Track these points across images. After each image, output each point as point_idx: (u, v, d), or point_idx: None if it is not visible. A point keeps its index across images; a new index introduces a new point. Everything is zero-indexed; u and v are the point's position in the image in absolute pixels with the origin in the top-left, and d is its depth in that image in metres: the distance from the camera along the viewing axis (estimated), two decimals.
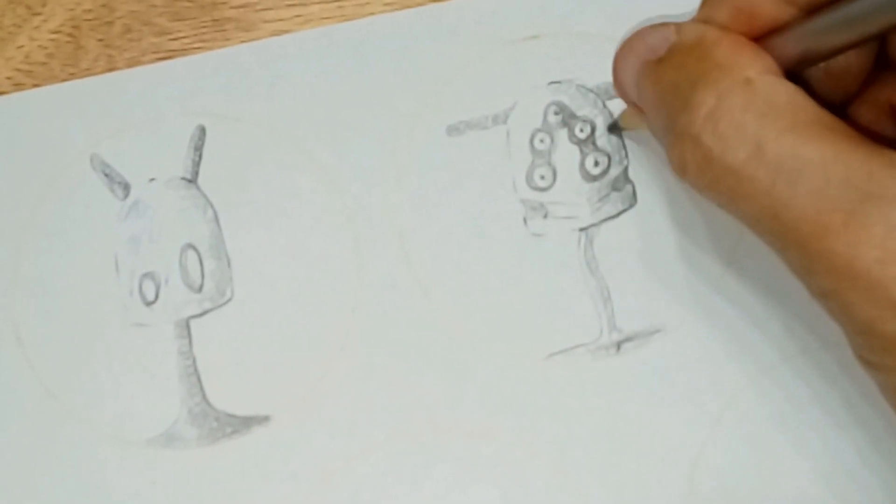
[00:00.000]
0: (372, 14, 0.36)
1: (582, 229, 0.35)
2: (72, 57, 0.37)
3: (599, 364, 0.34)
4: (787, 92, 0.26)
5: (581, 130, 0.35)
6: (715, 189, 0.27)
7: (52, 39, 0.37)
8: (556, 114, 0.35)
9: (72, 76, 0.36)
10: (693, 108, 0.27)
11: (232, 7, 0.37)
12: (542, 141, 0.35)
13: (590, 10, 0.36)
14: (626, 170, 0.35)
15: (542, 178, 0.35)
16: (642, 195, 0.35)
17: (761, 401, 0.33)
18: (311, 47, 0.36)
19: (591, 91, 0.35)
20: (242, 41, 0.36)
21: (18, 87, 0.36)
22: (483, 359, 0.34)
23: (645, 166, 0.35)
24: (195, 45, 0.37)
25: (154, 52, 0.37)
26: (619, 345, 0.34)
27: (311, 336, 0.34)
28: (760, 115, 0.26)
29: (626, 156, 0.35)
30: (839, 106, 0.30)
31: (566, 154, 0.35)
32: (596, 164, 0.35)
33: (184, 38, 0.37)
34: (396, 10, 0.36)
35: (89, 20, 0.37)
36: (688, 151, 0.27)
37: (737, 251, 0.34)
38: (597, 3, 0.36)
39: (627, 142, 0.35)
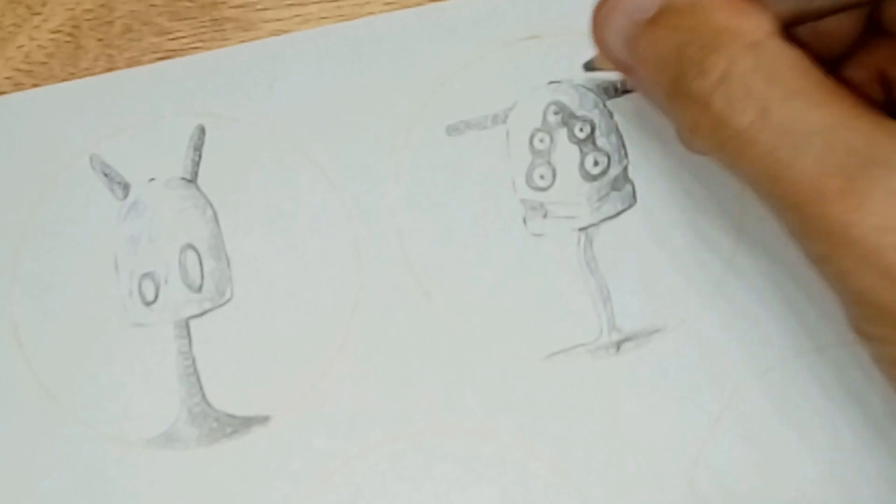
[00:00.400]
0: (371, 14, 0.36)
1: (581, 229, 0.35)
2: (72, 57, 0.37)
3: (599, 364, 0.34)
4: (794, 56, 0.26)
5: (581, 130, 0.35)
6: (721, 150, 0.27)
7: (52, 39, 0.37)
8: (556, 113, 0.35)
9: (72, 76, 0.36)
10: (706, 72, 0.27)
11: (231, 7, 0.37)
12: (541, 141, 0.35)
13: (589, 10, 0.36)
14: (625, 169, 0.35)
15: (542, 177, 0.35)
16: (642, 195, 0.35)
17: (761, 401, 0.33)
18: (310, 47, 0.36)
19: (591, 91, 0.35)
20: (242, 41, 0.36)
21: (18, 86, 0.36)
22: (483, 358, 0.34)
23: (645, 166, 0.35)
24: (195, 45, 0.37)
25: (154, 52, 0.37)
26: (618, 345, 0.34)
27: (310, 336, 0.34)
28: (768, 79, 0.26)
29: (626, 155, 0.35)
30: (826, 66, 0.30)
31: (566, 154, 0.35)
32: (596, 163, 0.35)
33: (183, 37, 0.37)
34: (395, 9, 0.36)
35: (89, 20, 0.37)
36: (699, 115, 0.27)
37: (737, 251, 0.34)
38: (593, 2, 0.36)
39: (627, 141, 0.35)
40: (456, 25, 0.36)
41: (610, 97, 0.35)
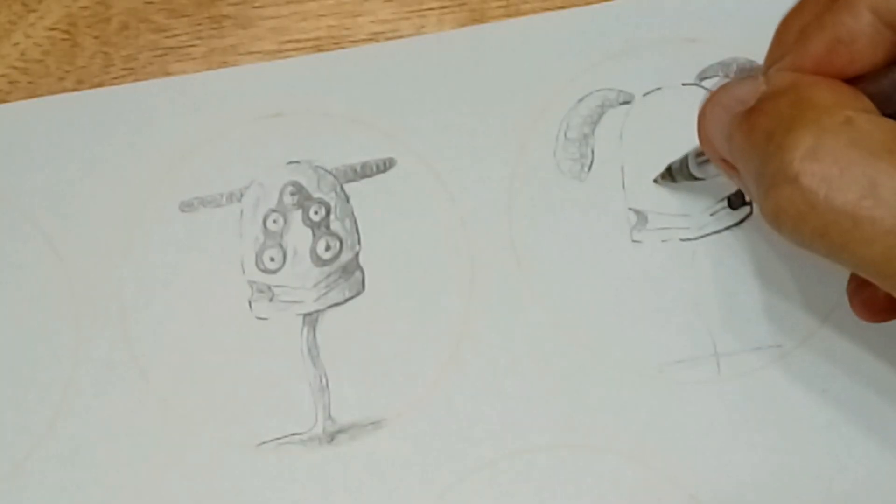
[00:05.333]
0: (371, 12, 0.36)
1: (306, 315, 0.34)
2: (68, 54, 0.36)
3: (312, 455, 0.33)
4: (891, 128, 0.25)
5: (316, 213, 0.35)
6: (823, 236, 0.25)
7: (48, 37, 0.36)
8: (293, 195, 0.35)
9: (68, 74, 0.36)
10: (788, 149, 0.25)
11: (229, 4, 0.36)
12: (275, 222, 0.35)
13: (335, 89, 0.36)
14: (357, 256, 0.34)
15: (272, 259, 0.34)
16: (371, 283, 0.34)
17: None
18: (49, 116, 0.35)
19: (330, 173, 0.35)
20: (240, 39, 0.36)
21: (13, 84, 0.36)
22: (195, 445, 0.33)
23: (377, 253, 0.34)
24: (192, 43, 0.36)
25: (151, 50, 0.36)
26: (332, 435, 0.33)
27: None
28: (868, 153, 0.24)
29: (360, 241, 0.34)
30: None
31: (298, 236, 0.35)
32: (328, 247, 0.34)
33: (180, 35, 0.36)
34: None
35: (85, 17, 0.36)
36: (784, 197, 0.25)
37: (460, 346, 0.34)
38: (342, 82, 0.36)
39: (362, 226, 0.35)
40: (200, 100, 0.36)
41: (349, 180, 0.35)
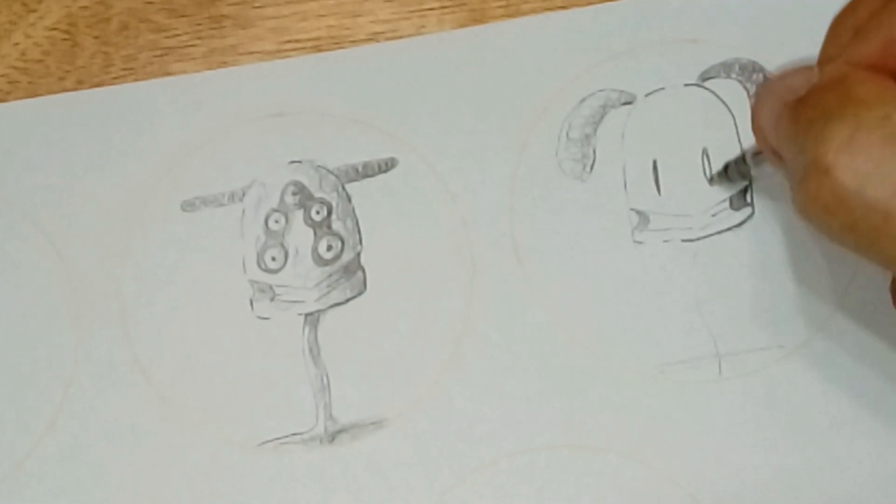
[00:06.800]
0: (371, 11, 0.36)
1: (307, 315, 0.34)
2: (68, 54, 0.36)
3: (311, 455, 0.33)
4: None
5: (317, 213, 0.35)
6: (853, 231, 0.25)
7: (48, 37, 0.36)
8: (294, 194, 0.35)
9: (68, 74, 0.36)
10: (823, 140, 0.25)
11: (229, 4, 0.36)
12: (276, 221, 0.35)
13: (336, 89, 0.36)
14: (358, 255, 0.34)
15: (274, 259, 0.34)
16: (372, 283, 0.34)
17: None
18: (49, 117, 0.35)
19: (331, 173, 0.35)
20: (240, 39, 0.36)
21: (14, 84, 0.36)
22: (195, 445, 0.33)
23: (378, 253, 0.34)
24: (192, 43, 0.36)
25: (151, 50, 0.36)
26: (333, 435, 0.33)
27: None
28: None
29: (361, 241, 0.34)
30: None
31: (300, 236, 0.35)
32: (329, 247, 0.34)
33: (180, 35, 0.36)
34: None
35: (85, 17, 0.36)
36: (813, 187, 0.25)
37: (461, 345, 0.34)
38: (342, 82, 0.36)
39: (364, 226, 0.35)
40: (201, 99, 0.36)
41: (350, 180, 0.35)
